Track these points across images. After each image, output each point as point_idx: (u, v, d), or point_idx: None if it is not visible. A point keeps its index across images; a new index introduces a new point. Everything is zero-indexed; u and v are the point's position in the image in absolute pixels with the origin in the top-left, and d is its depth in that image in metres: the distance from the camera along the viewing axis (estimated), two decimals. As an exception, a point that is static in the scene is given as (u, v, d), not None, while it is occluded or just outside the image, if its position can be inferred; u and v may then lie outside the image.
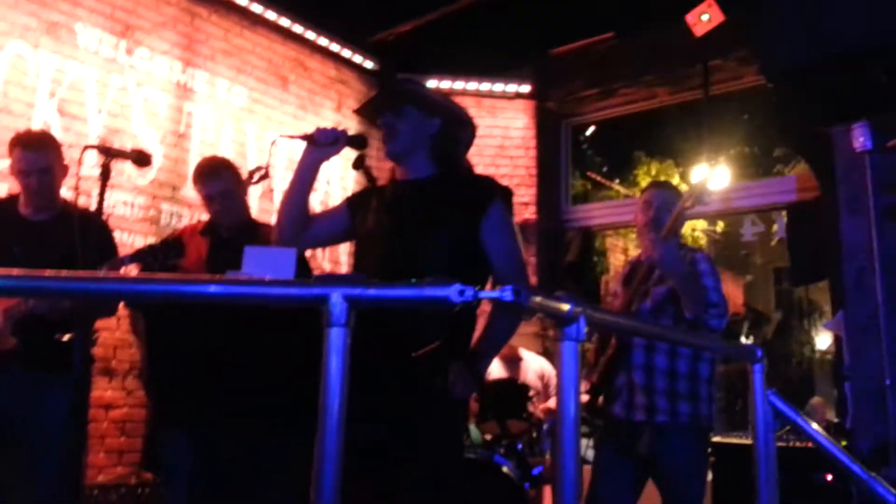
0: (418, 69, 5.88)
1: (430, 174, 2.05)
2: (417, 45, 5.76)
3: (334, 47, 5.49)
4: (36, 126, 3.81)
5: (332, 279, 1.13)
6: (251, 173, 1.92)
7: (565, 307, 1.24)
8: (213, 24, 4.76)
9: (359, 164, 1.97)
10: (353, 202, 2.18)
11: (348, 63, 5.66)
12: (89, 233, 2.74)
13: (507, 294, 1.13)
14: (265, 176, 1.91)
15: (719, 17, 4.57)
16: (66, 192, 2.78)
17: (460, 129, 2.11)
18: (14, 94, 3.79)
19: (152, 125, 4.36)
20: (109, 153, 2.15)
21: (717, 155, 5.80)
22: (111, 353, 3.98)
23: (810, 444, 3.70)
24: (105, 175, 2.09)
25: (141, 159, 2.28)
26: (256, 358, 1.38)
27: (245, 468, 2.40)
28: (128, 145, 4.15)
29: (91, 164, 4.05)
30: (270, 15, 5.00)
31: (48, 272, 1.13)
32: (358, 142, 2.01)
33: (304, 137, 1.99)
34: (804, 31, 4.03)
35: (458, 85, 5.99)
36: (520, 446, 4.05)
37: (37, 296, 2.32)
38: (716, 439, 4.04)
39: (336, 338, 1.09)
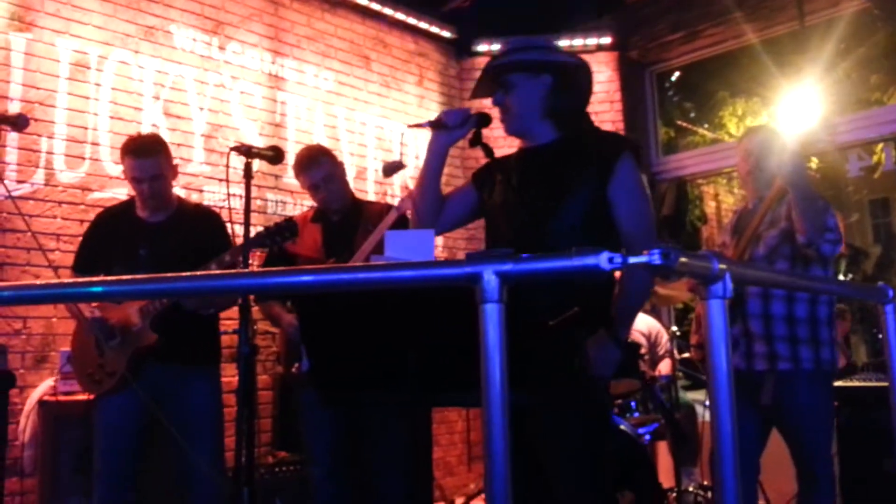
0: (495, 33, 5.83)
1: (551, 139, 2.01)
2: (493, 9, 5.70)
3: (412, 20, 5.50)
4: (146, 130, 4.01)
5: (482, 257, 1.16)
6: (386, 167, 1.96)
7: (711, 266, 1.23)
8: (296, 10, 4.85)
9: (477, 141, 1.97)
10: (477, 178, 2.17)
11: (426, 35, 5.67)
12: (205, 228, 2.88)
13: (656, 258, 1.13)
14: (399, 167, 1.94)
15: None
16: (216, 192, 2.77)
17: (573, 75, 2.03)
18: (122, 101, 3.98)
19: (250, 117, 4.50)
20: (250, 153, 2.24)
21: (811, 86, 5.53)
22: (236, 340, 4.18)
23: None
24: (248, 174, 2.19)
25: (276, 156, 2.37)
26: (407, 335, 1.44)
27: (386, 443, 2.51)
28: (230, 139, 4.32)
29: (199, 160, 4.25)
30: (349, -5, 5.06)
31: (177, 274, 1.20)
32: (485, 120, 1.99)
33: (432, 124, 1.99)
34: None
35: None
36: (633, 404, 4.05)
37: (166, 297, 2.44)
38: (837, 384, 3.93)
39: (492, 313, 1.12)
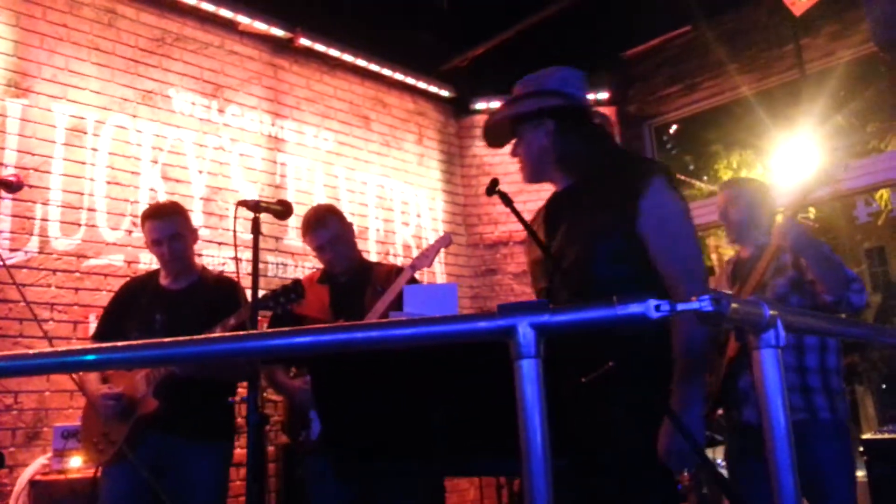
0: (494, 91, 5.84)
1: (567, 184, 1.89)
2: (491, 67, 5.73)
3: (410, 80, 5.51)
4: (143, 193, 3.94)
5: (515, 308, 1.06)
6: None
7: (762, 312, 1.13)
8: (295, 73, 4.85)
9: (491, 190, 1.85)
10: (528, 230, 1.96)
11: (425, 94, 5.68)
12: (223, 296, 2.78)
13: (707, 304, 1.03)
14: None
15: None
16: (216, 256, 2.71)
17: (578, 115, 1.87)
18: (120, 165, 3.91)
19: (250, 179, 4.44)
20: (258, 207, 2.16)
21: (809, 135, 5.51)
22: (242, 410, 4.00)
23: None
24: (256, 229, 2.10)
25: (284, 211, 2.28)
26: (425, 398, 1.32)
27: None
28: (230, 201, 4.25)
29: (198, 224, 4.16)
30: (347, 57, 5.06)
31: (171, 339, 1.09)
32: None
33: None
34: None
35: (535, 101, 5.92)
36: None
37: (170, 363, 2.33)
38: (867, 436, 3.79)
39: (528, 370, 1.02)
